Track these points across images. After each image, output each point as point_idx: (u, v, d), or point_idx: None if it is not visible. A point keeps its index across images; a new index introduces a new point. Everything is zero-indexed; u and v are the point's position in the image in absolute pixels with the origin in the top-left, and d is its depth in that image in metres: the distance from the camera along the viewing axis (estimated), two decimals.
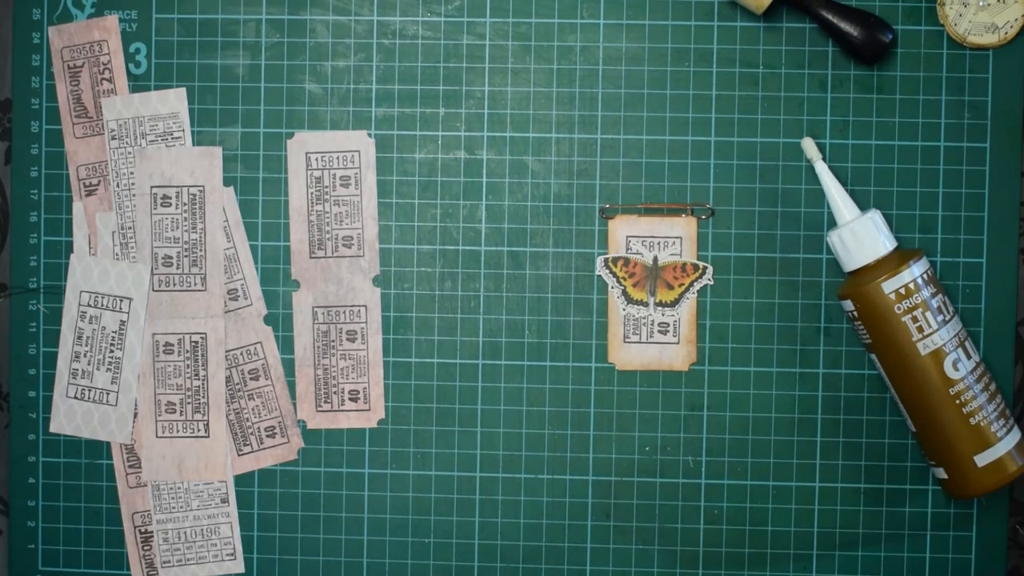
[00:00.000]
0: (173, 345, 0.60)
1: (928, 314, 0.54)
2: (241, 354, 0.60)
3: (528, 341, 0.59)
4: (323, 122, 0.60)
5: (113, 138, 0.60)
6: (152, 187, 0.60)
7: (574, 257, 0.59)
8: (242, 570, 0.60)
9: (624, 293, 0.59)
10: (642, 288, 0.59)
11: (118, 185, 0.60)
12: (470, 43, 0.59)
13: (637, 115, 0.59)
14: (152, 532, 0.60)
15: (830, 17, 0.56)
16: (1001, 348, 0.58)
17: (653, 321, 0.59)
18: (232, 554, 0.60)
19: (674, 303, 0.59)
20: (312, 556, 0.60)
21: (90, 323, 0.60)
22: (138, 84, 0.60)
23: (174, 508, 0.60)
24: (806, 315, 0.58)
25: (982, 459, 0.54)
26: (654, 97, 0.59)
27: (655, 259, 0.59)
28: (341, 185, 0.59)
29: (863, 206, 0.57)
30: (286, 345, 0.60)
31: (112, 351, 0.60)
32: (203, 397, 0.60)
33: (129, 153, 0.60)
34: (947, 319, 0.54)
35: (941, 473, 0.55)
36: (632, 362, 0.59)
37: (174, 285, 0.60)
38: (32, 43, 0.60)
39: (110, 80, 0.60)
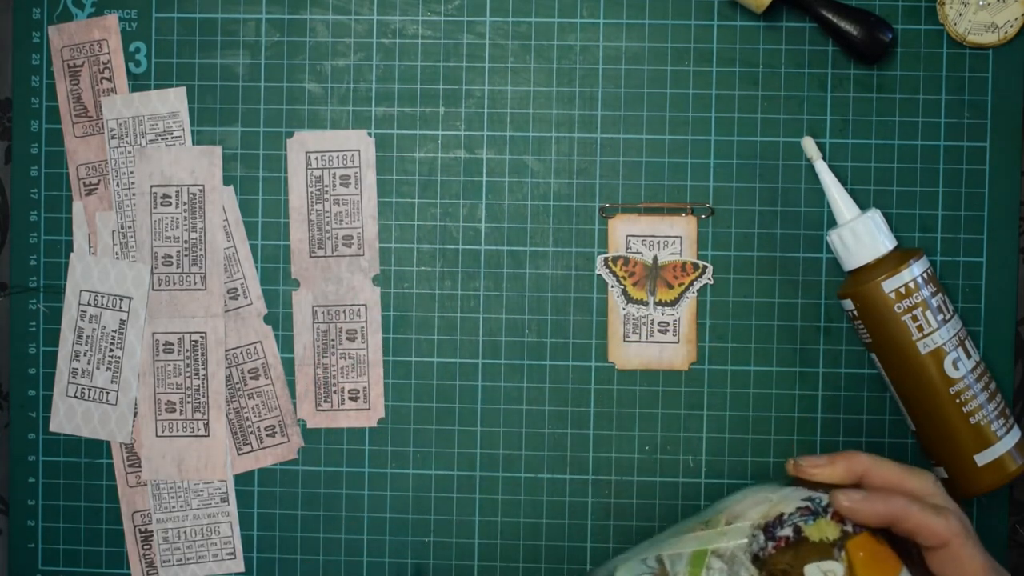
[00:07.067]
0: (173, 344, 0.60)
1: (928, 313, 0.54)
2: (241, 353, 0.60)
3: (528, 340, 0.59)
4: (323, 121, 0.60)
5: (113, 137, 0.60)
6: (152, 186, 0.60)
7: (574, 256, 0.59)
8: (242, 569, 0.60)
9: (624, 292, 0.59)
10: (642, 287, 0.59)
11: (118, 184, 0.60)
12: (470, 42, 0.59)
13: (637, 114, 0.59)
14: (152, 531, 0.60)
15: (830, 16, 0.56)
16: (1001, 348, 0.58)
17: (653, 320, 0.59)
18: (232, 553, 0.60)
19: (674, 302, 0.59)
20: (312, 555, 0.60)
21: (90, 322, 0.60)
22: (138, 83, 0.60)
23: (174, 507, 0.60)
24: (806, 314, 0.58)
25: (982, 458, 0.54)
26: (654, 96, 0.59)
27: (655, 258, 0.59)
28: (341, 184, 0.59)
29: (863, 205, 0.57)
30: (286, 344, 0.60)
31: (112, 350, 0.60)
32: (203, 396, 0.60)
33: (129, 152, 0.60)
34: (947, 318, 0.54)
35: (941, 472, 0.55)
36: (632, 361, 0.59)
37: (174, 284, 0.60)
38: (32, 42, 0.60)
39: (110, 79, 0.60)
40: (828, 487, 0.50)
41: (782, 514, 0.48)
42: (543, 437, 0.59)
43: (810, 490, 0.50)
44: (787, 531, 0.48)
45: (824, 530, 0.48)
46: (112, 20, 0.60)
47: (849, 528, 0.48)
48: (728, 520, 0.50)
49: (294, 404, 0.60)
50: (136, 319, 0.60)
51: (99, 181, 0.60)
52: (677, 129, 0.59)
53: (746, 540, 0.48)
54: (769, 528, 0.48)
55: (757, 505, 0.50)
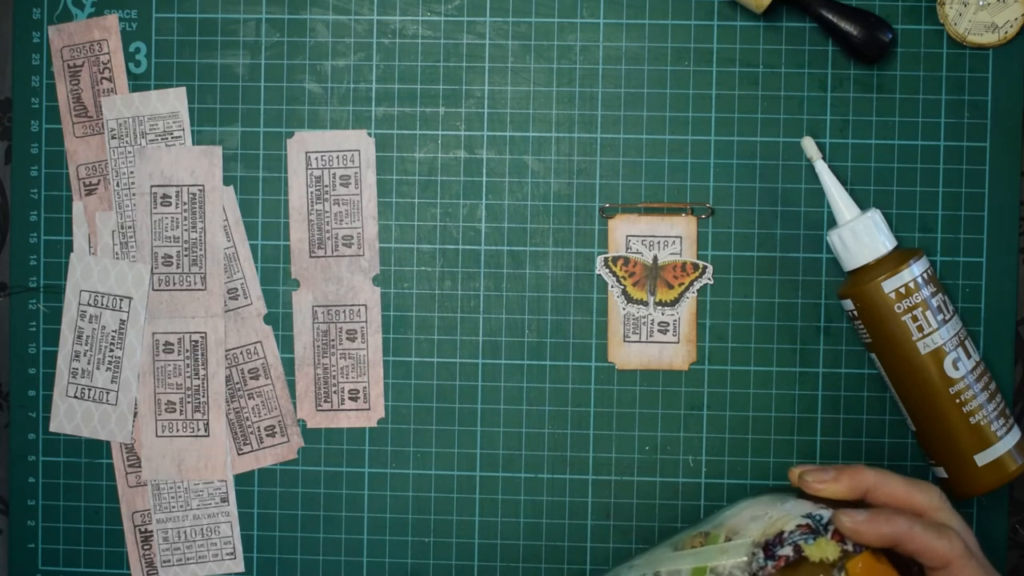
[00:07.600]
0: (173, 344, 0.60)
1: (928, 313, 0.54)
2: (241, 353, 0.60)
3: (528, 340, 0.59)
4: (323, 121, 0.60)
5: (113, 137, 0.60)
6: (152, 186, 0.60)
7: (574, 256, 0.59)
8: (242, 569, 0.60)
9: (624, 292, 0.59)
10: (642, 287, 0.59)
11: (118, 184, 0.60)
12: (470, 42, 0.59)
13: (637, 114, 0.59)
14: (152, 531, 0.60)
15: (830, 16, 0.56)
16: (1001, 348, 0.58)
17: (653, 320, 0.59)
18: (232, 553, 0.60)
19: (674, 302, 0.59)
20: (312, 555, 0.60)
21: (90, 322, 0.60)
22: (138, 83, 0.60)
23: (174, 507, 0.60)
24: (806, 314, 0.58)
25: (982, 458, 0.54)
26: (654, 96, 0.59)
27: (655, 258, 0.59)
28: (341, 184, 0.59)
29: (863, 205, 0.57)
30: (286, 344, 0.60)
31: (112, 350, 0.60)
32: (203, 396, 0.60)
33: (129, 152, 0.60)
34: (947, 318, 0.54)
35: (941, 472, 0.55)
36: (632, 361, 0.59)
37: (174, 284, 0.60)
38: (32, 42, 0.60)
39: (110, 79, 0.60)
40: (832, 502, 0.50)
41: (782, 532, 0.48)
42: (543, 437, 0.59)
43: (812, 503, 0.50)
44: (787, 550, 0.47)
45: (824, 550, 0.47)
46: (112, 20, 0.60)
47: (849, 547, 0.47)
48: (728, 535, 0.49)
49: (294, 404, 0.60)
50: (136, 319, 0.60)
51: (99, 181, 0.60)
52: (677, 129, 0.59)
53: (745, 558, 0.48)
54: (769, 546, 0.48)
55: (757, 520, 0.49)
